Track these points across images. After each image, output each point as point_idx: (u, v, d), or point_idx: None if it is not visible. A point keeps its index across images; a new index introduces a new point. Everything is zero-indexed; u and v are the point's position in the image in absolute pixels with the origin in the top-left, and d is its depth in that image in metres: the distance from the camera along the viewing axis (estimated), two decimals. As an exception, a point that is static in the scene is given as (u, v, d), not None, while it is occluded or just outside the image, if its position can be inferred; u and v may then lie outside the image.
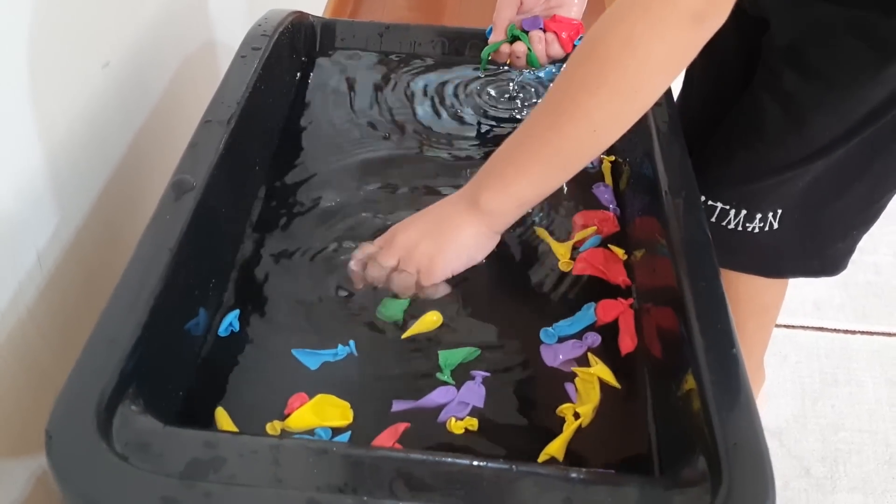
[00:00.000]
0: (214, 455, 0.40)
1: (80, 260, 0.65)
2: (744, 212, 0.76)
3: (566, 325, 0.57)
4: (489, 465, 0.41)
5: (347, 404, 0.50)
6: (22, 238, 0.58)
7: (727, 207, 0.76)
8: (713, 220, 0.76)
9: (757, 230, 0.77)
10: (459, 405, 0.52)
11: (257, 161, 0.66)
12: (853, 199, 0.75)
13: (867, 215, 0.77)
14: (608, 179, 0.71)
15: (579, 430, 0.51)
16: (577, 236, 0.65)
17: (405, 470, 0.40)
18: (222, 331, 0.54)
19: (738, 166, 0.73)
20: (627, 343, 0.55)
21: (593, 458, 0.48)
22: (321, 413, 0.50)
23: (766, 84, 0.69)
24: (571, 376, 0.54)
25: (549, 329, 0.57)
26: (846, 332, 1.13)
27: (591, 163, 0.71)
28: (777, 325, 1.11)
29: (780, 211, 0.75)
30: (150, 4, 0.76)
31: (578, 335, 0.57)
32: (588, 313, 0.58)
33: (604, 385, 0.53)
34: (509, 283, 0.61)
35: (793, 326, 1.13)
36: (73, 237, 0.64)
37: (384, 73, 0.80)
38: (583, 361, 0.55)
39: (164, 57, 0.80)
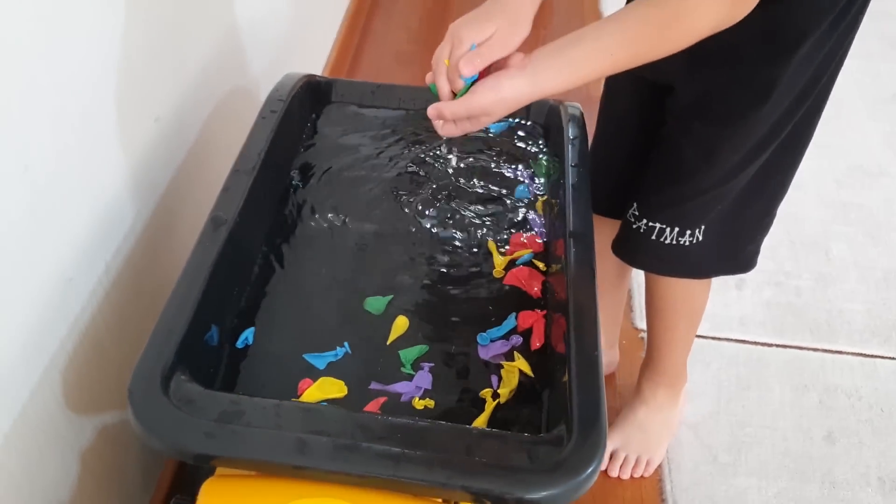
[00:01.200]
0: (237, 409, 0.60)
1: (135, 271, 0.85)
2: (677, 229, 0.96)
3: (495, 331, 0.78)
4: (419, 422, 0.61)
5: (342, 382, 0.70)
6: (96, 252, 0.78)
7: (664, 227, 0.96)
8: (654, 237, 0.96)
9: (687, 243, 0.97)
10: (416, 388, 0.73)
11: (275, 198, 0.87)
12: (757, 210, 0.96)
13: (767, 221, 0.98)
14: (541, 211, 0.91)
15: (499, 406, 0.71)
16: (516, 254, 0.85)
17: (361, 422, 0.60)
18: (239, 343, 0.74)
19: (669, 195, 0.93)
20: (536, 343, 0.75)
21: (505, 426, 0.68)
22: (324, 390, 0.70)
23: (680, 132, 0.90)
24: (499, 367, 0.75)
25: (483, 333, 0.77)
26: (764, 344, 1.32)
27: (529, 197, 0.91)
28: (706, 337, 1.32)
29: (703, 227, 0.95)
30: (190, 66, 0.97)
31: (505, 336, 0.77)
32: (511, 320, 0.78)
33: (522, 374, 0.73)
34: (457, 291, 0.81)
35: (719, 339, 1.33)
36: (130, 253, 0.84)
37: (376, 123, 1.00)
38: (508, 357, 0.75)
39: (200, 110, 1.00)
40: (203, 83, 1.01)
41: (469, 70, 0.68)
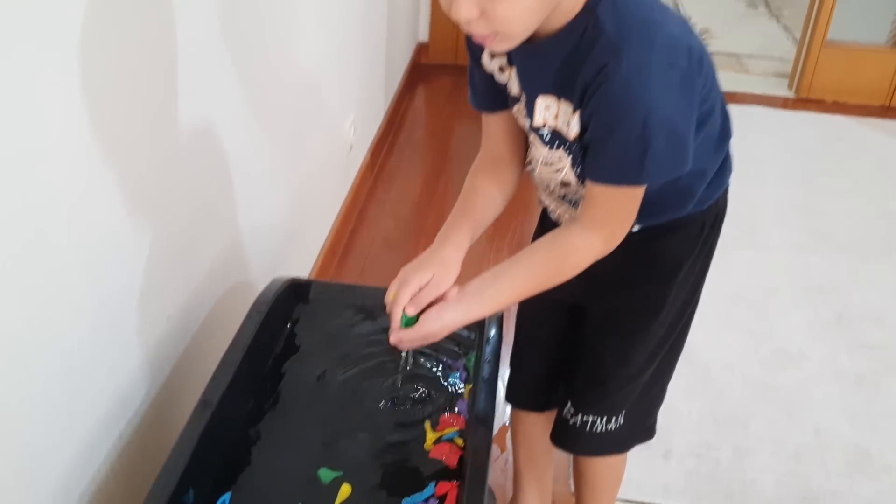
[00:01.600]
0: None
1: (143, 439, 1.09)
2: (605, 418, 1.18)
3: (418, 496, 0.99)
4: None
5: None
6: (113, 422, 1.02)
7: (595, 419, 1.18)
8: (588, 429, 1.18)
9: (613, 428, 1.19)
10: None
11: (255, 385, 1.11)
12: (657, 390, 1.20)
13: (663, 396, 1.22)
14: (466, 396, 1.14)
15: None
16: (446, 431, 1.08)
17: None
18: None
19: (597, 393, 1.16)
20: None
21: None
22: None
23: (599, 343, 1.15)
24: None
25: (408, 498, 0.99)
26: (682, 510, 1.52)
27: (460, 385, 1.15)
28: (632, 502, 1.51)
29: (623, 412, 1.18)
30: (199, 270, 1.24)
31: (426, 501, 0.99)
32: (431, 488, 1.00)
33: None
34: (394, 460, 1.03)
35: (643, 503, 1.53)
36: (140, 424, 1.08)
37: (346, 319, 1.25)
38: (425, 515, 0.97)
39: (204, 307, 1.26)
40: (209, 284, 1.27)
41: (413, 311, 0.93)
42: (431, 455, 1.05)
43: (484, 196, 1.04)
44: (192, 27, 1.10)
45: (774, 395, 1.81)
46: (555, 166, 0.97)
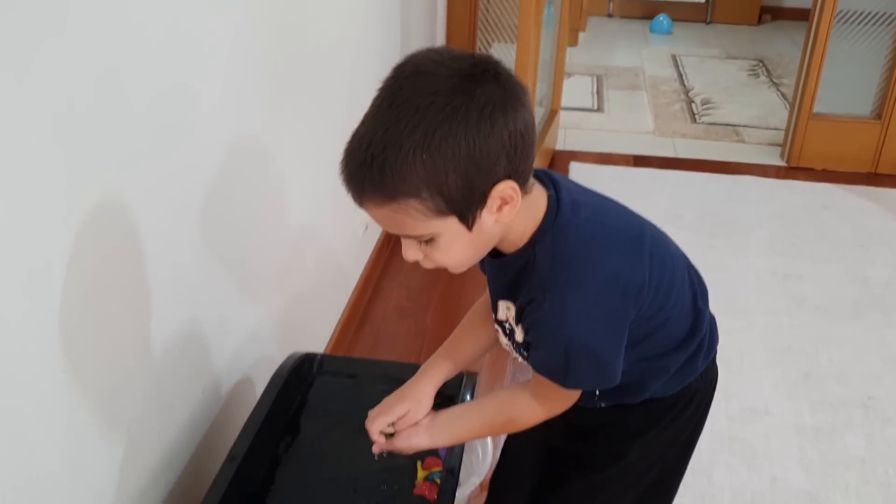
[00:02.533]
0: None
1: (183, 479, 1.36)
2: None
3: (400, 529, 1.25)
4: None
5: None
6: (159, 477, 1.29)
7: None
8: None
9: None
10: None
11: (273, 442, 1.38)
12: None
13: None
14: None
15: None
16: (433, 470, 1.33)
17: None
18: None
19: None
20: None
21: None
22: None
23: (566, 475, 1.25)
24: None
25: (392, 533, 1.25)
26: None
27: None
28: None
29: None
30: (229, 345, 1.52)
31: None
32: (410, 520, 1.26)
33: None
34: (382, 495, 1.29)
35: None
36: (178, 477, 1.35)
37: (351, 385, 1.52)
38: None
39: (233, 379, 1.55)
40: (236, 361, 1.56)
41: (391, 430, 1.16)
42: (416, 492, 1.30)
43: (475, 338, 1.22)
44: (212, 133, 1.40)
45: (738, 446, 2.03)
46: (512, 353, 1.14)
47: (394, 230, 0.93)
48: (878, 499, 1.89)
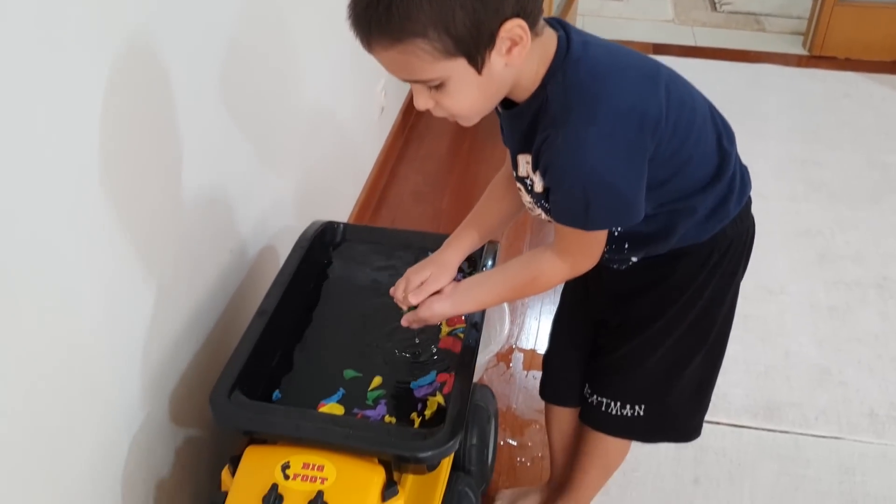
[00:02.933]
0: (265, 408, 1.13)
1: (214, 335, 1.40)
2: (619, 403, 1.28)
3: (423, 380, 1.28)
4: (371, 422, 1.13)
5: (342, 407, 1.21)
6: (191, 330, 1.33)
7: (609, 402, 1.28)
8: (603, 409, 1.29)
9: (630, 415, 1.28)
10: (378, 414, 1.24)
11: (299, 301, 1.40)
12: (692, 398, 1.29)
13: (700, 404, 1.32)
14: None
15: (424, 420, 1.21)
16: (456, 326, 1.36)
17: (335, 419, 1.12)
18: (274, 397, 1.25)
19: (612, 380, 1.28)
20: (446, 390, 1.26)
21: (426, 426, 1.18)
22: (330, 410, 1.21)
23: (611, 342, 1.27)
24: (425, 400, 1.25)
25: (415, 382, 1.28)
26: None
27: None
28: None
29: (644, 405, 1.27)
30: (252, 212, 1.54)
31: (430, 384, 1.28)
32: (433, 375, 1.29)
33: (438, 405, 1.24)
34: (406, 358, 1.32)
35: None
36: (209, 333, 1.39)
37: (375, 254, 1.53)
38: (431, 395, 1.26)
39: (259, 244, 1.57)
40: (262, 227, 1.57)
41: (415, 300, 1.17)
42: (441, 345, 1.33)
43: (497, 209, 1.23)
44: None
45: (753, 324, 2.06)
46: (534, 211, 1.13)
47: (403, 76, 0.92)
48: (890, 372, 1.92)
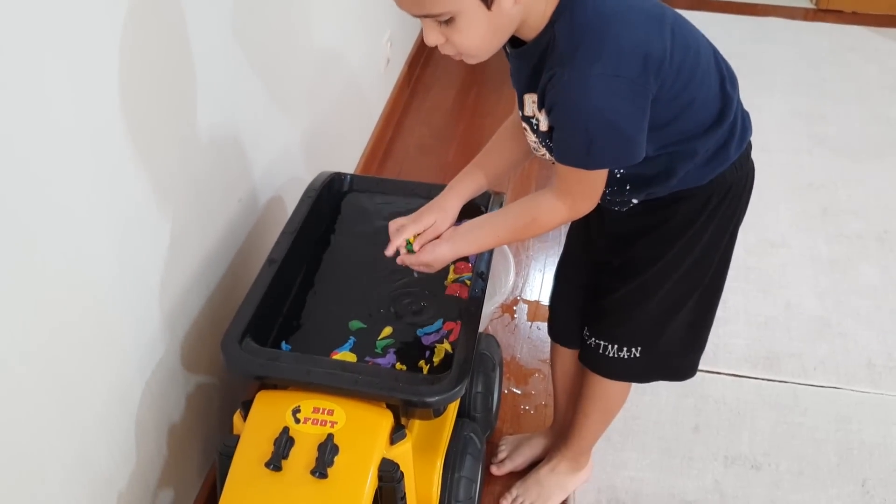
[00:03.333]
0: (276, 355, 1.15)
1: (224, 282, 1.42)
2: (616, 346, 1.31)
3: (430, 328, 1.30)
4: (380, 368, 1.15)
5: (354, 355, 1.23)
6: (202, 278, 1.35)
7: (607, 344, 1.31)
8: (601, 352, 1.31)
9: (626, 357, 1.31)
10: (387, 362, 1.26)
11: (307, 251, 1.42)
12: (688, 337, 1.31)
13: (695, 344, 1.34)
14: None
15: (432, 367, 1.23)
16: (463, 273, 1.38)
17: (345, 366, 1.14)
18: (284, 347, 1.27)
19: (608, 322, 1.30)
20: (453, 337, 1.28)
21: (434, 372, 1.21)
22: (342, 357, 1.23)
23: (610, 283, 1.28)
24: (433, 348, 1.27)
25: (421, 329, 1.30)
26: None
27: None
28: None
29: (640, 347, 1.29)
30: (261, 160, 1.54)
31: (437, 332, 1.30)
32: (440, 324, 1.31)
33: (446, 352, 1.26)
34: (412, 303, 1.34)
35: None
36: (219, 281, 1.41)
37: (381, 202, 1.54)
38: (439, 342, 1.28)
39: (268, 192, 1.58)
40: (269, 177, 1.58)
41: (418, 245, 1.18)
42: (448, 292, 1.35)
43: (503, 153, 1.24)
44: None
45: (755, 276, 2.08)
46: (539, 151, 1.15)
47: (415, 10, 0.95)
48: (889, 323, 1.95)
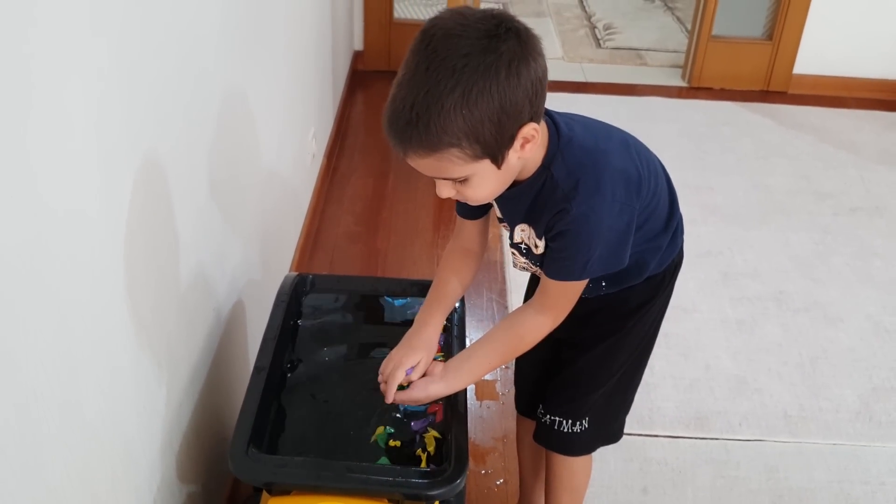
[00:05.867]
0: (284, 462, 1.21)
1: (203, 393, 1.46)
2: (569, 421, 1.40)
3: (420, 414, 1.38)
4: (384, 466, 1.23)
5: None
6: (193, 385, 1.39)
7: (561, 420, 1.40)
8: (555, 428, 1.40)
9: (577, 430, 1.40)
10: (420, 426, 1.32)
11: (287, 349, 1.48)
12: (618, 404, 1.44)
13: (625, 408, 1.46)
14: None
15: (429, 456, 1.31)
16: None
17: (349, 467, 1.21)
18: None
19: (563, 397, 1.40)
20: (438, 418, 1.36)
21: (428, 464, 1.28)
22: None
23: (571, 359, 1.38)
24: (423, 433, 1.35)
25: (415, 422, 1.38)
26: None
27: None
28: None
29: (588, 418, 1.39)
30: (226, 273, 1.60)
31: (423, 419, 1.37)
32: (424, 407, 1.39)
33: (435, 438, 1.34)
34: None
35: None
36: (200, 389, 1.45)
37: (339, 299, 1.63)
38: (425, 431, 1.35)
39: (232, 298, 1.63)
40: (233, 283, 1.64)
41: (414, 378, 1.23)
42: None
43: (457, 278, 1.33)
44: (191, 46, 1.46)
45: (674, 341, 2.26)
46: (528, 270, 1.30)
47: (434, 174, 1.06)
48: (796, 377, 2.16)
